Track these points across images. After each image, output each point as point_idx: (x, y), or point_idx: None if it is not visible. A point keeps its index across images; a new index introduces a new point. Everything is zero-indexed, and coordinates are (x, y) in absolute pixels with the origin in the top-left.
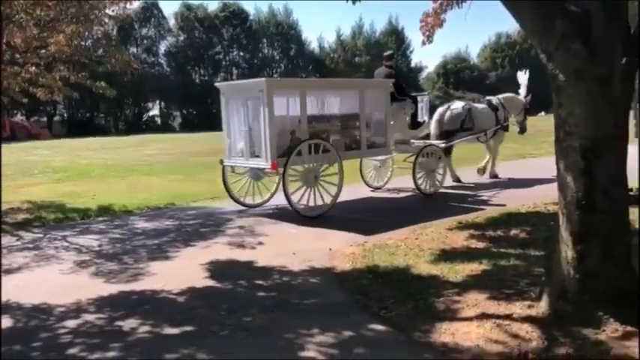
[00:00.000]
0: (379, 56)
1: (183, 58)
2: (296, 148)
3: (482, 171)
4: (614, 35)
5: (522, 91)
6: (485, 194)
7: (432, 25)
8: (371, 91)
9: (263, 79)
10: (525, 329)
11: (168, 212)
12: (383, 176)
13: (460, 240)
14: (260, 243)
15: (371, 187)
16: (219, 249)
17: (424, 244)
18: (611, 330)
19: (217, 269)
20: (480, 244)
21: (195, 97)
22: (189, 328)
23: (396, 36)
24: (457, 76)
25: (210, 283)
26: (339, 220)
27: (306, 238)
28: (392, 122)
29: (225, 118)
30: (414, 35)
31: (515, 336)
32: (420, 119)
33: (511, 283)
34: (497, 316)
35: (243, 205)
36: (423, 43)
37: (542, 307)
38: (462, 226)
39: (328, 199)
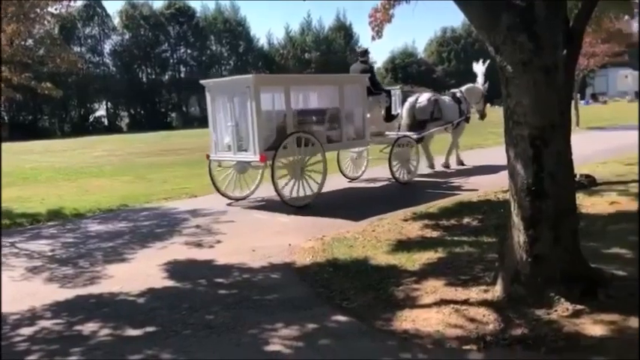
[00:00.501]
0: (329, 52)
1: (129, 57)
2: (283, 142)
3: (447, 166)
4: (556, 28)
5: (480, 79)
6: (451, 182)
7: (380, 20)
8: (349, 85)
9: (251, 75)
10: (482, 313)
11: (122, 214)
12: (359, 167)
13: (415, 230)
14: (218, 241)
15: (348, 178)
16: (176, 249)
17: (381, 236)
18: (562, 309)
19: (176, 269)
20: (435, 234)
21: (142, 96)
22: (151, 329)
23: (344, 32)
24: (405, 70)
25: (170, 283)
26: (300, 214)
27: (265, 234)
28: (368, 115)
29: (211, 114)
30: (362, 31)
31: (473, 320)
32: (393, 112)
33: (466, 269)
34: (455, 302)
35: (229, 198)
36: (373, 39)
37: (497, 290)
38: (417, 217)
39: (314, 189)
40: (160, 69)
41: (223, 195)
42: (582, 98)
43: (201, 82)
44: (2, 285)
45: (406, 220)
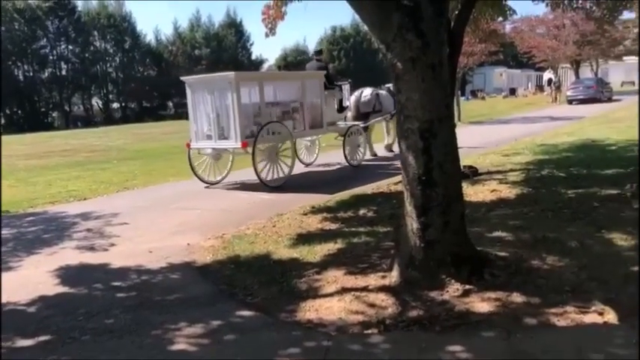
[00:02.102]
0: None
1: (3, 53)
2: (261, 130)
3: (389, 147)
4: (441, 27)
5: None
6: (394, 164)
7: (273, 17)
8: (310, 81)
9: (232, 72)
10: (381, 298)
11: (3, 220)
12: (312, 154)
13: (315, 223)
14: (112, 244)
15: (303, 164)
16: (67, 254)
17: (282, 231)
18: (453, 290)
19: (68, 275)
20: (334, 226)
21: (19, 94)
22: (45, 338)
23: (235, 29)
24: (297, 68)
25: (62, 289)
26: (200, 212)
27: (162, 234)
28: (325, 107)
29: (191, 107)
30: (253, 28)
31: (373, 305)
32: (345, 104)
33: (365, 257)
34: (355, 289)
35: (205, 182)
36: (267, 35)
37: (394, 276)
38: (316, 211)
39: (286, 172)
40: (38, 66)
41: (200, 179)
42: (463, 94)
43: (182, 78)
44: None
45: (306, 214)
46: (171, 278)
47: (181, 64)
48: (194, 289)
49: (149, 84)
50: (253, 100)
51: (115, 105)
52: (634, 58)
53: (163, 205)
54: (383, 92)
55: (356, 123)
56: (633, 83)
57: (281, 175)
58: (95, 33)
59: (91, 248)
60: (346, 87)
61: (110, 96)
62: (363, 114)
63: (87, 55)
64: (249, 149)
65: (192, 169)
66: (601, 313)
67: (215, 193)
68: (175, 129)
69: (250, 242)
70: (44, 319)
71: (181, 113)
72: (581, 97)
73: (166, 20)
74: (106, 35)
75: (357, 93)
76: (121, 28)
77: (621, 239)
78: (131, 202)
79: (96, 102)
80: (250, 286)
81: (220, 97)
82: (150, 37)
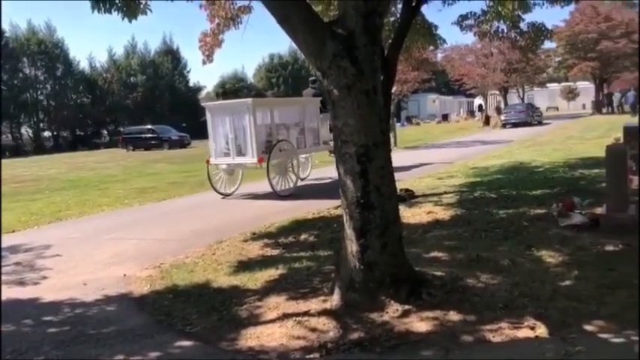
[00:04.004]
0: (156, 76)
1: None
2: (273, 148)
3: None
4: (375, 55)
5: None
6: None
7: (211, 44)
8: (309, 106)
9: (250, 99)
10: (322, 322)
11: None
12: (305, 169)
13: (256, 250)
14: (44, 277)
15: (299, 179)
16: None
17: (221, 258)
18: (392, 311)
19: None
20: (275, 252)
21: None
22: None
23: (172, 55)
24: (236, 95)
25: None
26: (136, 241)
27: (96, 266)
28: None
29: (211, 128)
30: (189, 55)
31: (314, 329)
32: None
33: (306, 282)
34: (297, 314)
35: (220, 193)
36: (204, 62)
37: (335, 299)
38: (256, 237)
39: (294, 183)
40: None
41: (217, 191)
42: (399, 120)
43: (203, 104)
44: None
45: (246, 241)
46: (107, 310)
47: (116, 92)
48: (131, 320)
49: (83, 112)
50: (265, 122)
51: (47, 134)
52: (556, 85)
53: (98, 235)
54: None
55: None
56: (557, 108)
57: (291, 185)
58: (24, 59)
59: (21, 282)
60: None
61: (41, 124)
62: None
63: (15, 82)
64: (264, 164)
65: (211, 182)
66: (532, 328)
67: (154, 221)
68: (109, 157)
69: (189, 271)
70: None
71: (115, 141)
72: (514, 120)
73: (101, 47)
74: (36, 62)
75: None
76: (53, 54)
77: (549, 256)
78: (64, 233)
79: (26, 130)
80: (189, 316)
81: (238, 120)
82: (84, 64)
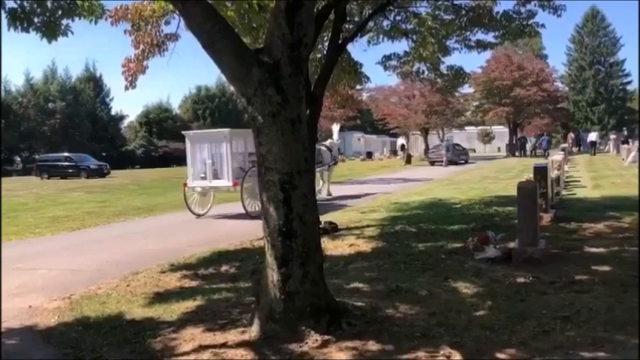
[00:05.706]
0: (77, 102)
1: None
2: (246, 173)
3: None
4: (299, 85)
5: (335, 136)
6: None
7: (134, 70)
8: None
9: (227, 129)
10: (240, 354)
11: None
12: None
13: (173, 281)
14: None
15: None
16: None
17: (137, 290)
18: (312, 341)
19: None
20: (194, 283)
21: None
22: None
23: (94, 82)
24: (160, 125)
25: None
26: (45, 271)
27: None
28: None
29: (190, 154)
30: (113, 83)
31: None
32: None
33: (225, 314)
34: (214, 346)
35: (194, 213)
36: (126, 88)
37: (254, 330)
38: (175, 268)
39: None
40: None
41: (191, 212)
42: None
43: (183, 132)
44: None
45: (164, 272)
46: (9, 344)
47: (32, 117)
48: (34, 354)
49: None
50: (240, 150)
51: None
52: (474, 128)
53: (4, 265)
54: (322, 148)
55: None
56: (474, 150)
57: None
58: None
59: None
60: None
61: None
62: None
63: None
64: (238, 187)
65: (187, 203)
66: (448, 357)
67: (66, 251)
68: (21, 185)
69: (101, 302)
70: None
71: (30, 169)
72: (441, 159)
73: (17, 70)
74: None
75: None
76: None
77: (465, 287)
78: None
79: None
80: (99, 349)
81: (216, 148)
82: None
